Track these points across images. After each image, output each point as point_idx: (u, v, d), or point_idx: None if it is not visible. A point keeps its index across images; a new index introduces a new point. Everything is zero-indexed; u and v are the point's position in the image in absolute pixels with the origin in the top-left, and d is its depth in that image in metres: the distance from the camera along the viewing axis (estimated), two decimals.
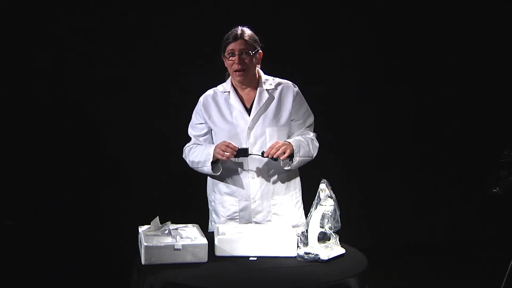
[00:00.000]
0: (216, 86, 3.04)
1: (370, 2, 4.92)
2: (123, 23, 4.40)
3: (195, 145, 3.03)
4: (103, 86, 4.40)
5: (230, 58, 2.87)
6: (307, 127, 3.02)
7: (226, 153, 2.79)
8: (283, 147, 2.79)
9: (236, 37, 2.87)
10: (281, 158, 2.80)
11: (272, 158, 2.80)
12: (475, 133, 5.06)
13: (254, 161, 2.91)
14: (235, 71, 2.87)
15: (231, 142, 2.83)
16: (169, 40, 4.48)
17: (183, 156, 3.07)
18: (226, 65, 2.95)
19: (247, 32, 2.91)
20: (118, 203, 4.42)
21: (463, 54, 5.03)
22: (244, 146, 2.87)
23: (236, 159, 2.89)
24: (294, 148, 2.84)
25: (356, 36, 4.92)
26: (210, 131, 3.02)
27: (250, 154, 2.85)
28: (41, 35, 4.23)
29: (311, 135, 3.01)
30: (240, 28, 2.91)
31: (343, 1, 4.85)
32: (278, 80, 3.02)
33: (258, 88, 2.95)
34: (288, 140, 2.87)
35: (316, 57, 4.77)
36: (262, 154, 2.82)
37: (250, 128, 2.90)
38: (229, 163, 2.93)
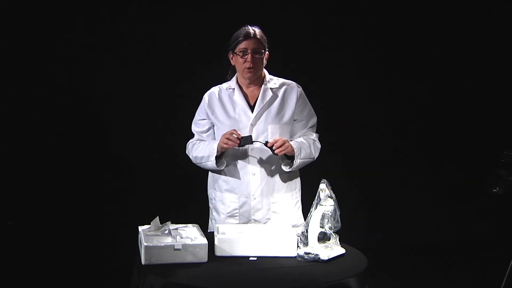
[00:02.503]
0: (221, 84, 3.05)
1: (374, 1, 4.91)
2: (125, 24, 4.39)
3: (199, 141, 3.03)
4: (103, 86, 4.39)
5: (243, 57, 2.88)
6: (310, 127, 3.03)
7: (230, 141, 2.79)
8: (287, 144, 2.80)
9: (249, 36, 2.88)
10: (276, 152, 2.78)
11: (272, 150, 2.79)
12: (475, 133, 5.05)
13: (256, 158, 2.91)
14: (247, 68, 2.88)
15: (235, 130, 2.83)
16: (171, 41, 4.48)
17: (186, 152, 3.07)
18: (233, 62, 2.96)
19: (258, 31, 2.93)
20: (118, 203, 4.42)
21: (463, 54, 5.02)
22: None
23: (240, 149, 2.88)
24: (295, 150, 2.85)
25: (357, 36, 4.92)
26: (212, 127, 3.02)
27: (254, 141, 2.84)
28: (42, 35, 4.23)
29: (314, 136, 3.02)
30: (250, 27, 2.92)
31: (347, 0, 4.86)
32: (282, 80, 3.04)
33: (263, 87, 2.97)
34: (290, 142, 2.87)
35: (317, 57, 4.77)
36: (266, 143, 2.82)
37: (253, 125, 2.91)
38: (230, 160, 2.93)
